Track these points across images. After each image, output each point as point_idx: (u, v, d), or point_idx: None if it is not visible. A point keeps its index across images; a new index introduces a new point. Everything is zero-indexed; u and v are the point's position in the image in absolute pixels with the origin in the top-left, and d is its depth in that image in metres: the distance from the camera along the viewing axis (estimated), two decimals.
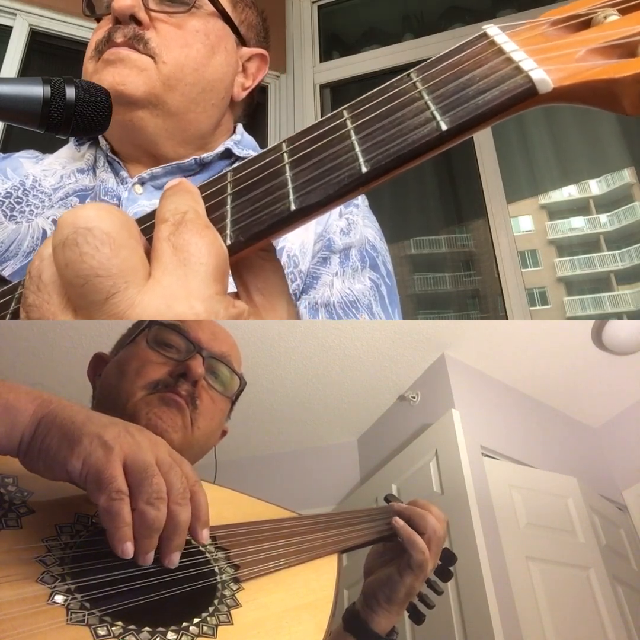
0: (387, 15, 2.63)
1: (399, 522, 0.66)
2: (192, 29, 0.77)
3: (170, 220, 0.32)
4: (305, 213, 0.32)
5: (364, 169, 0.31)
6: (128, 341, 0.67)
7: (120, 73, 0.72)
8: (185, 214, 0.32)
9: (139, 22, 0.74)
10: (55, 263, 0.31)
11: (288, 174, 0.34)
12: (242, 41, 0.86)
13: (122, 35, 0.73)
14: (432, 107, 0.32)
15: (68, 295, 0.31)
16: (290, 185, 0.33)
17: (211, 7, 0.79)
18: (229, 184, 0.36)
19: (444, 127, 0.31)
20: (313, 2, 2.61)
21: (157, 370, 0.61)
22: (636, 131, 2.09)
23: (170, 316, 0.29)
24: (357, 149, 0.32)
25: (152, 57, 0.74)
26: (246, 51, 0.87)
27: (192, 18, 0.78)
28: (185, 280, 0.30)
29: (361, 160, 0.32)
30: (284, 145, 0.36)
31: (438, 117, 0.31)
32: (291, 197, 0.32)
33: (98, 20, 0.81)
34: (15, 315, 0.37)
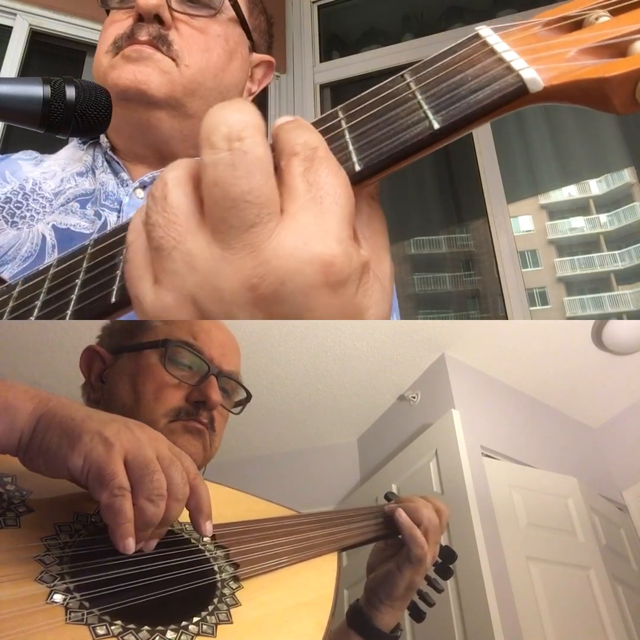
0: (387, 15, 2.63)
1: (402, 515, 0.66)
2: (213, 33, 0.77)
3: (301, 155, 0.30)
4: None
5: (358, 168, 0.32)
6: (131, 346, 0.66)
7: (143, 71, 0.72)
8: (316, 149, 0.31)
9: (161, 22, 0.73)
10: (203, 180, 0.29)
11: None
12: (253, 47, 0.86)
13: (146, 34, 0.72)
14: (425, 106, 0.32)
15: (208, 215, 0.29)
16: None
17: (231, 12, 0.79)
18: None
19: (436, 125, 0.31)
20: (313, 2, 2.61)
21: (175, 395, 0.63)
22: (636, 131, 2.09)
23: (306, 255, 0.28)
24: (351, 147, 0.33)
25: (174, 59, 0.73)
26: (256, 57, 0.87)
27: (213, 22, 0.77)
28: (321, 218, 0.29)
29: (354, 158, 0.32)
30: None
31: (430, 116, 0.32)
32: None
33: (107, 12, 0.79)
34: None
